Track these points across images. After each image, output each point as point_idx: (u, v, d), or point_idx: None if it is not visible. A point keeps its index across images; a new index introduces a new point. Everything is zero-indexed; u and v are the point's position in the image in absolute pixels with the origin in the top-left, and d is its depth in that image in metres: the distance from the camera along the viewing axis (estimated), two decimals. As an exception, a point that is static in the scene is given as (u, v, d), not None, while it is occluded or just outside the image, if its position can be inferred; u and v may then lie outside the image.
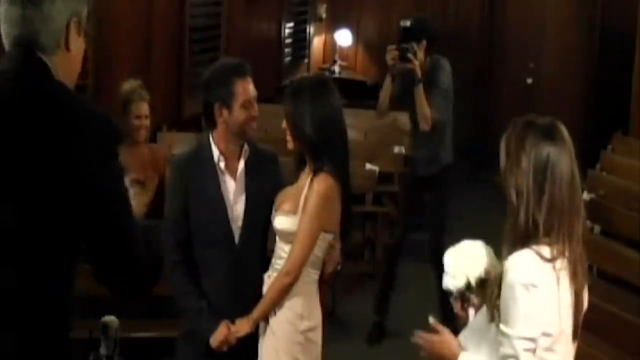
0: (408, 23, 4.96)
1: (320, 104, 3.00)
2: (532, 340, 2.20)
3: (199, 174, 3.12)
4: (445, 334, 2.45)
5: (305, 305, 3.03)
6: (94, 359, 2.95)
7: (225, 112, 3.08)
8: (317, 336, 3.08)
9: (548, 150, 2.25)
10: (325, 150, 2.98)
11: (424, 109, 4.86)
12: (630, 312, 3.98)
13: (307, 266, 3.02)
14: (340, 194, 3.01)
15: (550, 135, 2.27)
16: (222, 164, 3.13)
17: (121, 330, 2.97)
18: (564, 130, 2.31)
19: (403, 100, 5.09)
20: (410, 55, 4.81)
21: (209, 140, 3.15)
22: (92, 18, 5.33)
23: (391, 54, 4.90)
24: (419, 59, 4.86)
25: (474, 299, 2.49)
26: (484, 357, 2.31)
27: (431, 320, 2.50)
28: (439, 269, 5.00)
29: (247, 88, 3.09)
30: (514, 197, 2.27)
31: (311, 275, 3.05)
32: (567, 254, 2.24)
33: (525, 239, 2.24)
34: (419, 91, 4.83)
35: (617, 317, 3.87)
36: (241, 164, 3.15)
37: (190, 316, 3.13)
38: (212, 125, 3.13)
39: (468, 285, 2.47)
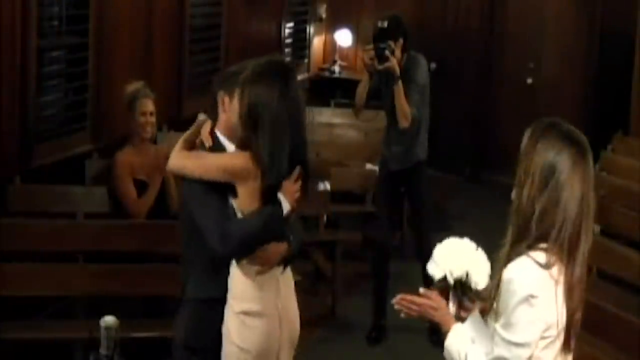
0: (385, 23, 5.01)
1: (256, 88, 2.91)
2: (529, 346, 2.21)
3: None
4: (439, 300, 2.45)
5: (241, 288, 2.98)
6: (94, 359, 2.95)
7: (227, 100, 3.08)
8: (262, 324, 2.99)
9: (557, 159, 2.23)
10: (253, 135, 2.91)
11: (404, 107, 4.94)
12: (630, 312, 3.98)
13: None
14: (259, 182, 2.90)
15: (568, 143, 2.26)
16: None
17: (121, 330, 2.98)
18: (583, 139, 2.30)
19: (380, 97, 5.18)
20: (387, 54, 4.88)
21: (218, 139, 3.11)
22: (93, 18, 5.36)
23: (368, 53, 4.97)
24: (397, 57, 4.93)
25: (452, 294, 2.50)
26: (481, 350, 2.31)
27: (422, 290, 2.50)
28: (424, 269, 5.05)
29: None
30: (515, 204, 2.26)
31: (247, 264, 2.97)
32: (565, 264, 2.23)
33: (523, 243, 2.23)
34: (398, 89, 4.91)
35: (617, 317, 3.86)
36: None
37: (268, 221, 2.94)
38: (216, 118, 3.12)
39: (444, 280, 2.48)
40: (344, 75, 9.19)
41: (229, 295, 3.01)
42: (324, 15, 9.35)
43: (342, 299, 5.75)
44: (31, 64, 4.85)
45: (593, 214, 2.28)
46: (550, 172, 2.23)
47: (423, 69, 5.09)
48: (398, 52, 4.96)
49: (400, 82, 4.91)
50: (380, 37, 4.94)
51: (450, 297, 2.48)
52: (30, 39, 4.81)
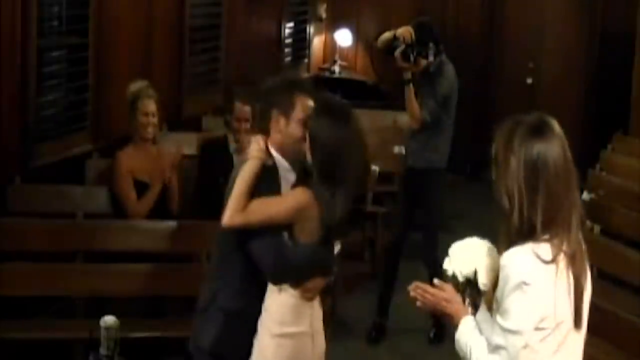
0: (427, 22, 5.20)
1: (337, 128, 2.99)
2: (523, 334, 2.22)
3: (279, 185, 3.08)
4: (452, 292, 2.46)
5: (281, 312, 3.03)
6: (94, 359, 2.95)
7: (282, 122, 3.04)
8: (297, 343, 3.05)
9: (537, 147, 2.24)
10: (326, 173, 2.95)
11: (412, 109, 5.10)
12: (630, 312, 3.98)
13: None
14: (318, 221, 2.95)
15: (538, 131, 2.26)
16: (290, 176, 3.09)
17: (121, 330, 2.97)
18: (553, 124, 2.30)
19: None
20: (412, 57, 4.98)
21: (274, 157, 3.07)
22: (93, 18, 5.36)
23: (405, 34, 5.03)
24: (429, 61, 5.05)
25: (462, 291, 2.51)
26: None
27: (436, 281, 2.51)
28: (430, 269, 5.06)
29: (306, 106, 3.03)
30: (506, 201, 2.26)
31: (288, 290, 3.02)
32: (564, 246, 2.24)
33: (521, 239, 2.24)
34: (409, 91, 5.06)
35: (617, 317, 3.86)
36: (292, 178, 3.11)
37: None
38: (266, 133, 3.09)
39: (454, 278, 2.49)
40: (344, 75, 9.19)
41: (267, 318, 3.04)
42: (324, 15, 9.34)
43: (342, 299, 5.75)
44: (31, 64, 4.85)
45: (576, 182, 2.29)
46: (534, 172, 2.23)
47: (448, 78, 5.19)
48: (422, 61, 5.03)
49: (411, 85, 5.05)
50: (420, 36, 5.05)
51: (462, 294, 2.50)
52: (30, 39, 4.81)
